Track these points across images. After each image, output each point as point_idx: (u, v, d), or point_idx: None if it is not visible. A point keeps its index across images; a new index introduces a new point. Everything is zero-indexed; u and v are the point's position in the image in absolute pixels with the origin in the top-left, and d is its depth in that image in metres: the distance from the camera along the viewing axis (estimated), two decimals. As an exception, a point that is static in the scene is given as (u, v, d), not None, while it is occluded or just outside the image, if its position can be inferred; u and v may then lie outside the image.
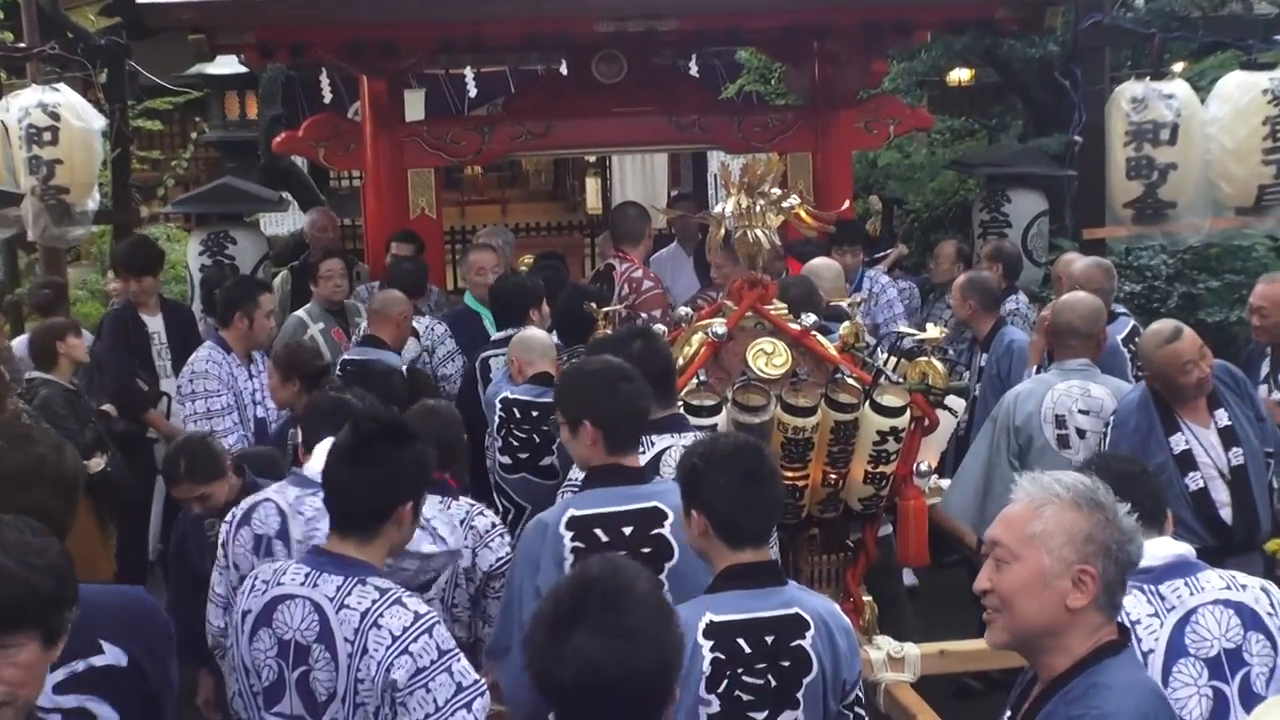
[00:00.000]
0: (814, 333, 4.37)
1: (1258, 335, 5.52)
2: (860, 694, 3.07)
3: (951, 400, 4.37)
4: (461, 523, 3.89)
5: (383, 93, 7.41)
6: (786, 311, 4.44)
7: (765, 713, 2.93)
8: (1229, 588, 3.09)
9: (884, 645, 4.14)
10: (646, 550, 3.34)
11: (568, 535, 3.36)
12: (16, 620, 2.18)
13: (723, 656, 2.90)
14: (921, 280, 8.32)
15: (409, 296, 6.34)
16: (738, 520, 2.97)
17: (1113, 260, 6.83)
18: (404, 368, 5.79)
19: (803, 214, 4.43)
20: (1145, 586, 3.04)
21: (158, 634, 2.85)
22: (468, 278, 7.09)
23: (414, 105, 10.39)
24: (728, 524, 2.97)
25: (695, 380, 4.15)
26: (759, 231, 4.28)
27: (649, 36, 7.41)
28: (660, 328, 4.59)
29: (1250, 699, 2.97)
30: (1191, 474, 4.54)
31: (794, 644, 2.94)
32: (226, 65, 11.20)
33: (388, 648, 2.84)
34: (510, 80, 11.54)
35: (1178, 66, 9.17)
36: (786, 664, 2.93)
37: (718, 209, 4.46)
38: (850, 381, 4.18)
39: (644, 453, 3.82)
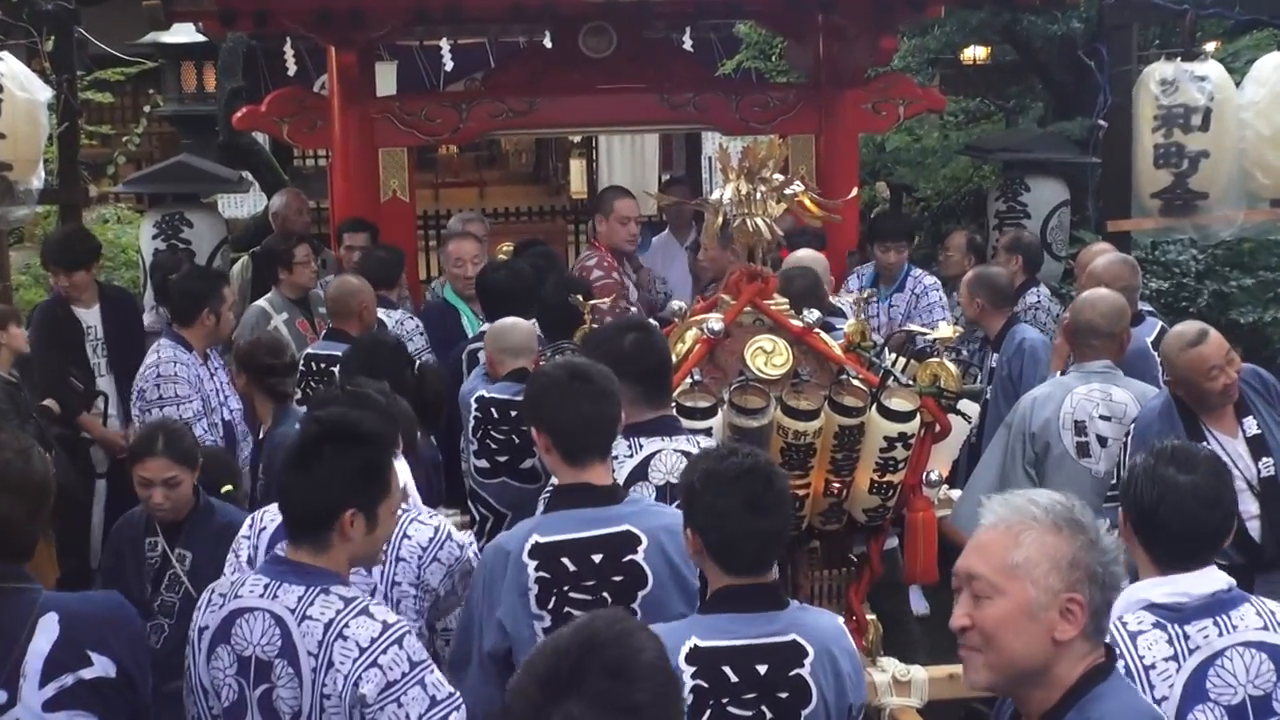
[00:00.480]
0: (817, 330, 4.37)
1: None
2: (864, 720, 3.08)
3: (965, 405, 4.35)
4: None
5: (352, 65, 7.38)
6: (788, 307, 4.44)
7: (758, 746, 2.92)
8: (1266, 628, 3.02)
9: (889, 667, 4.14)
10: (618, 579, 3.33)
11: (531, 565, 3.34)
12: None
13: (705, 684, 2.89)
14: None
15: (379, 287, 6.33)
16: (734, 549, 2.96)
17: (1139, 255, 6.86)
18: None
19: (807, 201, 4.43)
20: (1170, 626, 3.00)
21: (140, 642, 2.87)
22: (446, 269, 7.05)
23: (385, 79, 10.35)
24: (722, 552, 2.97)
25: (689, 380, 4.14)
26: (759, 220, 4.28)
27: (640, 7, 7.41)
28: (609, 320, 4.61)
29: (1276, 753, 2.93)
30: (1216, 486, 4.55)
31: (792, 673, 2.93)
32: (183, 34, 11.10)
33: (355, 660, 2.84)
34: (490, 53, 11.51)
35: (1210, 46, 9.19)
36: (784, 695, 2.93)
37: (716, 195, 4.45)
38: (856, 383, 4.17)
39: (631, 456, 3.84)
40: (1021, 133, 9.70)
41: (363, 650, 2.84)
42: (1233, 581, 3.12)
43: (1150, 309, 6.21)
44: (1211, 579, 3.08)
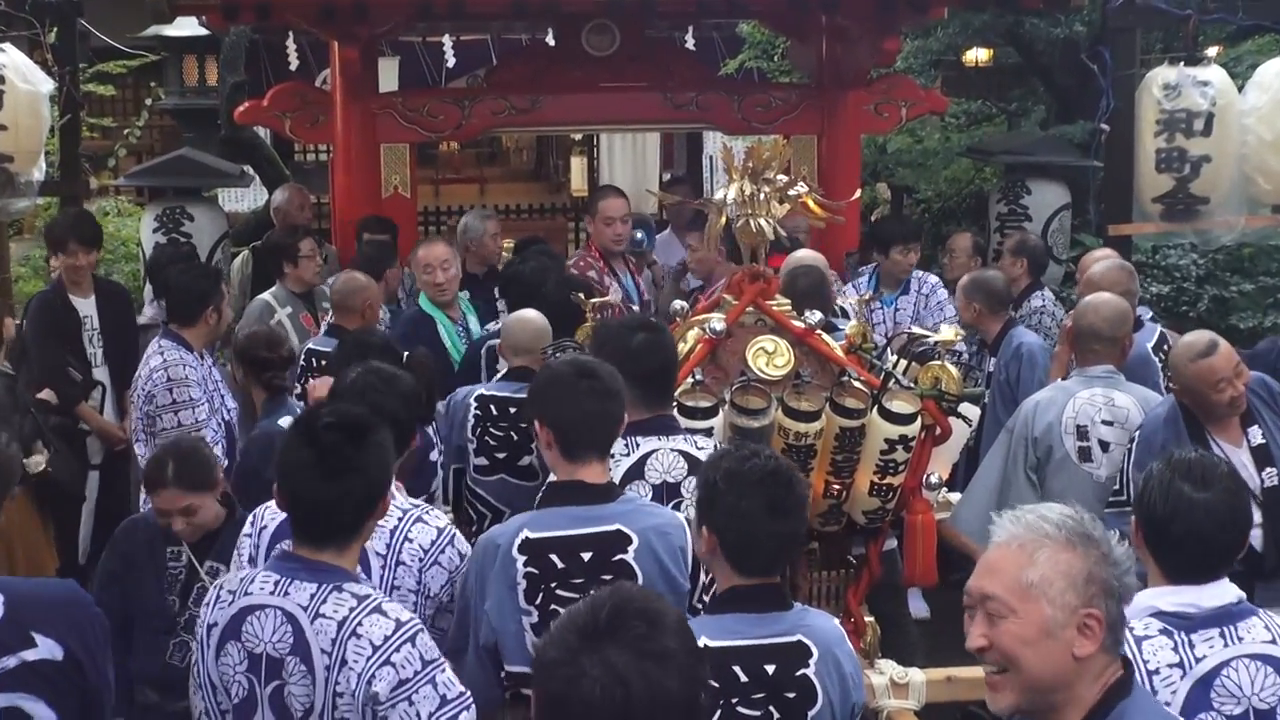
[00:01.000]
0: (819, 331, 4.36)
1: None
2: (861, 724, 3.07)
3: (966, 408, 4.35)
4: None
5: (355, 60, 7.36)
6: (790, 307, 4.43)
7: (767, 747, 2.92)
8: (1274, 642, 3.00)
9: (887, 670, 4.12)
10: (607, 578, 3.32)
11: (520, 559, 3.37)
12: None
13: (716, 684, 2.88)
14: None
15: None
16: (751, 550, 2.97)
17: (1139, 260, 6.84)
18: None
19: (810, 203, 4.42)
20: (1177, 634, 2.98)
21: (93, 627, 2.82)
22: (416, 276, 6.72)
23: (387, 75, 10.35)
24: (740, 553, 2.97)
25: (691, 380, 4.14)
26: (762, 220, 4.27)
27: (644, 6, 7.39)
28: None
29: (1281, 768, 2.91)
30: (1220, 495, 4.53)
31: (798, 673, 2.94)
32: (186, 27, 11.13)
33: (368, 658, 2.84)
34: (492, 50, 11.49)
35: (1212, 51, 9.19)
36: (792, 695, 2.93)
37: (719, 195, 4.44)
38: (857, 385, 4.17)
39: (628, 455, 3.83)
40: (1023, 135, 9.68)
41: (376, 648, 2.85)
42: (1243, 594, 3.09)
43: (1150, 314, 6.19)
44: (1222, 591, 3.05)
